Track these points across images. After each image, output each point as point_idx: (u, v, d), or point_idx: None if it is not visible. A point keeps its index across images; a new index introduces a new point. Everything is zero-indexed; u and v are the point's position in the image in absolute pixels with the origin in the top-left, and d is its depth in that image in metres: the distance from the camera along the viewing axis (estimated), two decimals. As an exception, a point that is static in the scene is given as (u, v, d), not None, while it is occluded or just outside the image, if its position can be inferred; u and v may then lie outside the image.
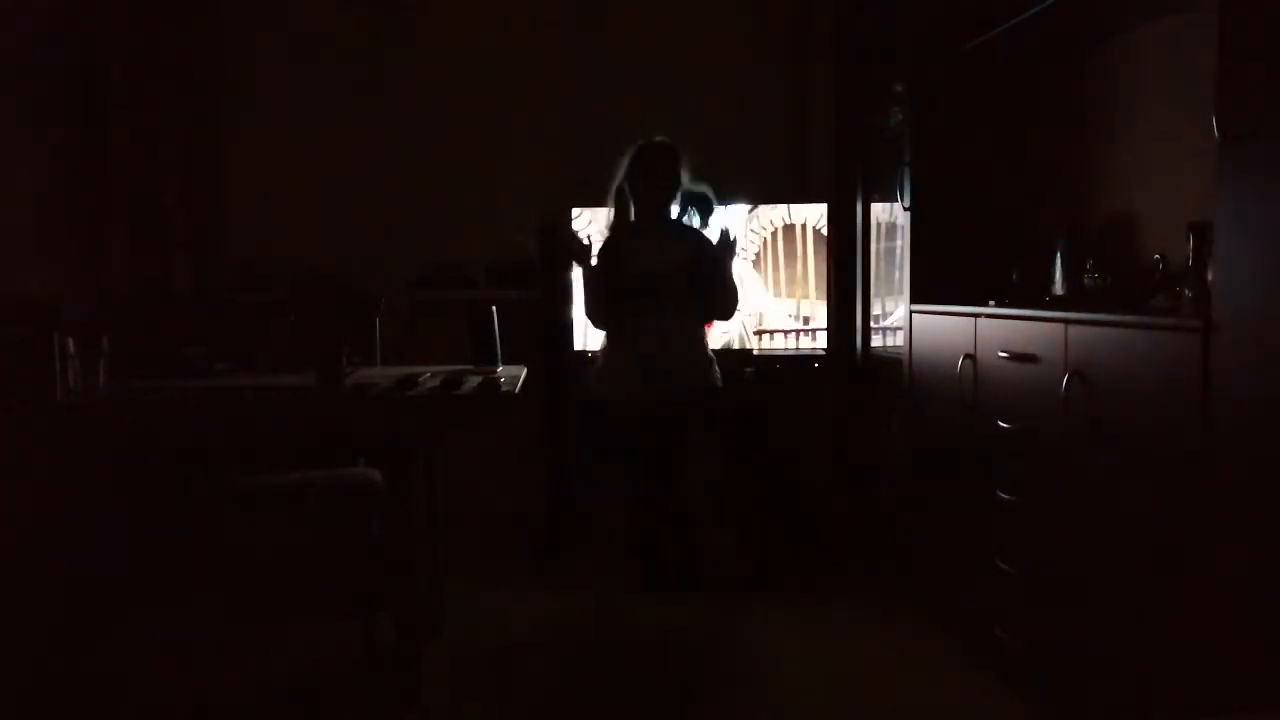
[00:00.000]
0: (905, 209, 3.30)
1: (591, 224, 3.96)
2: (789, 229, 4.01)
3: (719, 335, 3.96)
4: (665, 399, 3.27)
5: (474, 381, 2.65)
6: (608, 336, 3.41)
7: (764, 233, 4.01)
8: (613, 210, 3.41)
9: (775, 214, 4.00)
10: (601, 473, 3.68)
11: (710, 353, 3.42)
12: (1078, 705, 2.27)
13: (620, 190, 3.37)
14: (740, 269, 3.94)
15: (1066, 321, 2.26)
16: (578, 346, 3.98)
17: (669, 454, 3.35)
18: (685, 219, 3.44)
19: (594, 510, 3.83)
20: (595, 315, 3.39)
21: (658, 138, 3.35)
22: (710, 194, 3.44)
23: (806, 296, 4.01)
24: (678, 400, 3.28)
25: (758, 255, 4.01)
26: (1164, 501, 1.92)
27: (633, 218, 3.38)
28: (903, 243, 3.36)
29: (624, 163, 3.36)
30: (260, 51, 4.19)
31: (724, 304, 3.38)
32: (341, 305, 3.34)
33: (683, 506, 3.37)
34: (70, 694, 2.66)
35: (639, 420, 3.33)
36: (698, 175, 3.39)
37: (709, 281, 3.32)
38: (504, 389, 2.58)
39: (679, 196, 3.38)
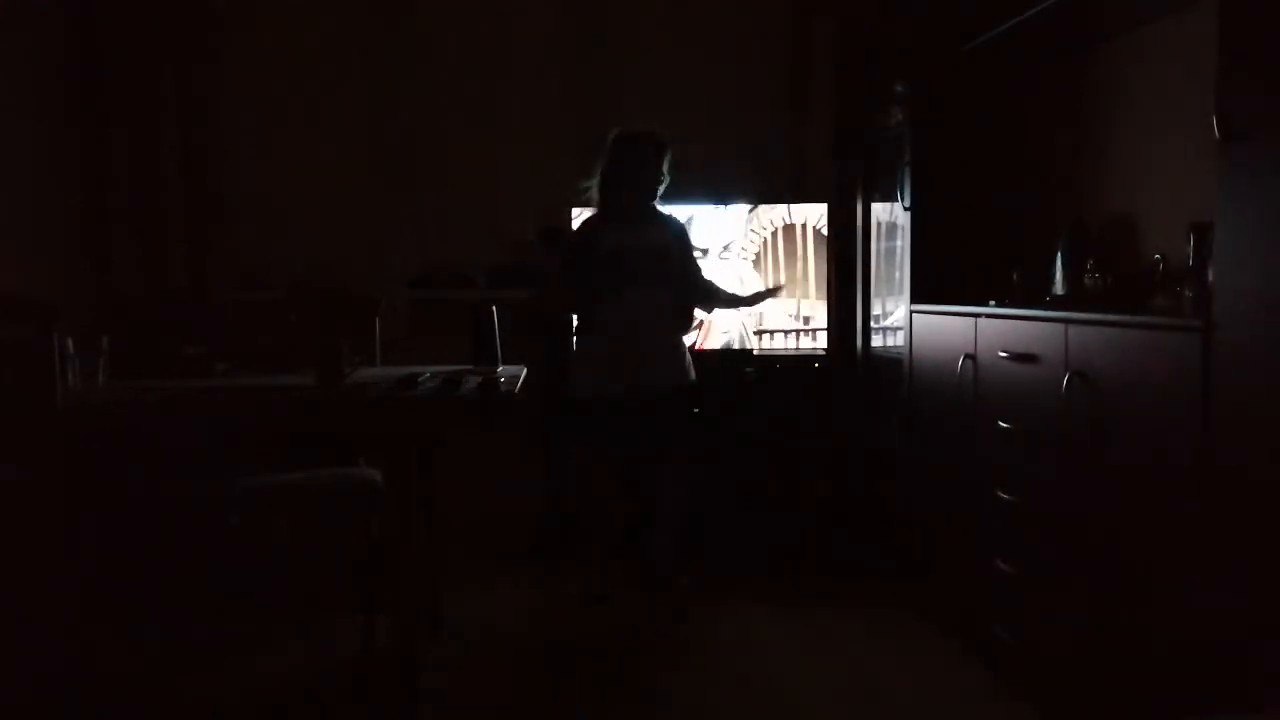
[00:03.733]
0: (905, 209, 3.30)
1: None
2: (789, 229, 4.01)
3: (719, 335, 3.97)
4: (635, 397, 3.22)
5: (474, 381, 2.65)
6: (579, 328, 3.39)
7: (764, 233, 4.01)
8: (597, 200, 3.33)
9: (775, 214, 4.00)
10: (583, 466, 3.61)
11: (684, 343, 3.37)
12: (1077, 705, 2.27)
13: (602, 178, 3.29)
14: (742, 271, 3.94)
15: (1066, 321, 2.26)
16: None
17: (640, 455, 3.34)
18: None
19: (582, 505, 3.75)
20: (554, 302, 3.44)
21: (641, 128, 3.29)
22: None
23: (806, 296, 4.01)
24: (648, 399, 3.22)
25: (758, 255, 4.01)
26: (1164, 502, 1.92)
27: (614, 206, 3.30)
28: (903, 243, 3.36)
29: (605, 151, 3.29)
30: (260, 51, 4.19)
31: (705, 297, 3.41)
32: (341, 305, 3.34)
33: (649, 508, 3.35)
34: (72, 694, 2.66)
35: (611, 417, 3.27)
36: (676, 165, 3.31)
37: (684, 267, 3.32)
38: (504, 389, 2.57)
39: (662, 187, 3.30)
